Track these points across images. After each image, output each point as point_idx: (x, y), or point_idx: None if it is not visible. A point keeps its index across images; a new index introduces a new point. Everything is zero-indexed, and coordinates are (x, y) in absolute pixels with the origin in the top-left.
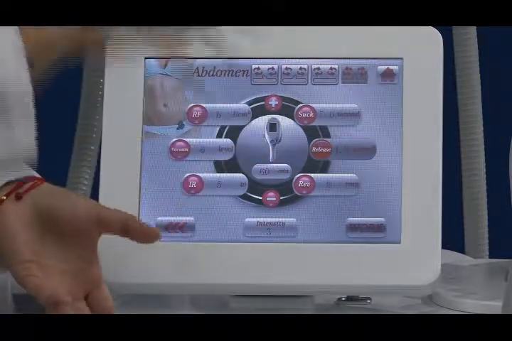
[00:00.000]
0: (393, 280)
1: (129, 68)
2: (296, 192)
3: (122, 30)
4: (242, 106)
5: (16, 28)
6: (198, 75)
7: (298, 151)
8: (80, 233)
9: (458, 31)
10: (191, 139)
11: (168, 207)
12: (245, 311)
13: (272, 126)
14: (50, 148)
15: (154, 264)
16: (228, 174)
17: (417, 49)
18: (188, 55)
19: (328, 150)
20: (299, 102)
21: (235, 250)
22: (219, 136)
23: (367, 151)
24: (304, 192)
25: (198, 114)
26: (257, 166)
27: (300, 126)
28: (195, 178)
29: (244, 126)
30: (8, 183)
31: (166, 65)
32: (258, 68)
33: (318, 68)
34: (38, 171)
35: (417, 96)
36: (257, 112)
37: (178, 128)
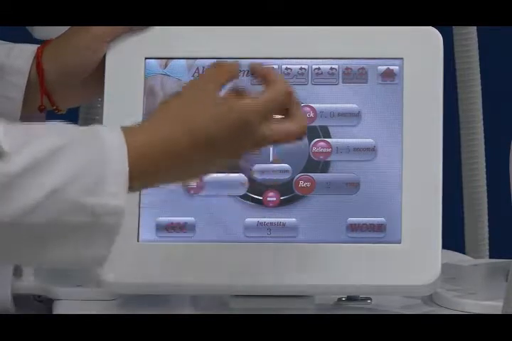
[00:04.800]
0: (393, 280)
1: (129, 68)
2: (296, 192)
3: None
4: None
5: None
6: (198, 75)
7: (298, 151)
8: None
9: (458, 31)
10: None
11: (168, 207)
12: (245, 311)
13: None
14: None
15: (154, 264)
16: (228, 174)
17: (417, 49)
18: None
19: (329, 150)
20: None
21: (235, 250)
22: None
23: (367, 151)
24: (304, 192)
25: None
26: (258, 166)
27: None
28: None
29: None
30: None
31: (166, 65)
32: None
33: (319, 68)
34: None
35: (417, 96)
36: None
37: None
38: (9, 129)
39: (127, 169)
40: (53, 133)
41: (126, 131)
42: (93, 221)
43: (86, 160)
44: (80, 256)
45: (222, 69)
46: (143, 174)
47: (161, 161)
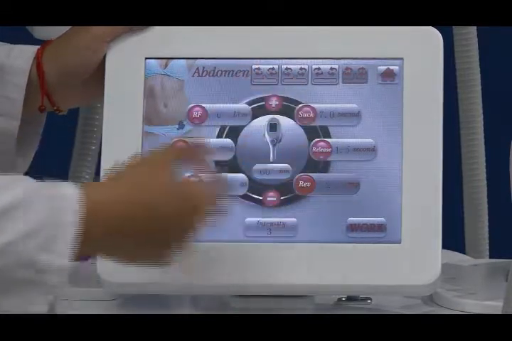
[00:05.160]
0: (393, 280)
1: (129, 68)
2: (296, 192)
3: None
4: (243, 106)
5: None
6: (198, 75)
7: (298, 151)
8: None
9: (458, 31)
10: (192, 139)
11: None
12: (245, 311)
13: (273, 126)
14: (50, 148)
15: None
16: (228, 174)
17: (417, 49)
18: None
19: (329, 150)
20: (299, 102)
21: (235, 250)
22: (219, 136)
23: (367, 151)
24: (304, 192)
25: (199, 114)
26: (258, 166)
27: (300, 126)
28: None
29: (244, 126)
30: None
31: (166, 65)
32: (258, 68)
33: (319, 68)
34: (39, 171)
35: (417, 96)
36: (258, 112)
37: (178, 129)
38: None
39: (79, 231)
40: (13, 187)
41: (85, 191)
42: (35, 278)
43: (40, 218)
44: (24, 309)
45: (184, 151)
46: (96, 238)
47: (114, 227)
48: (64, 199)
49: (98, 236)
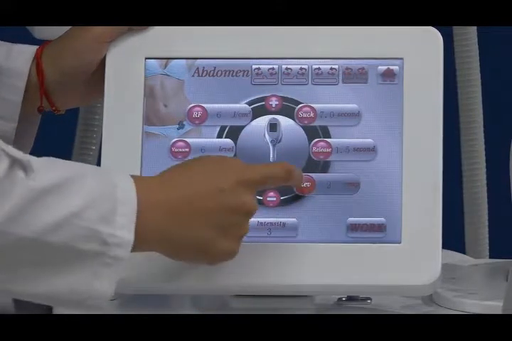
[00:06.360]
0: (393, 280)
1: (129, 68)
2: (296, 192)
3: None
4: (243, 106)
5: None
6: (198, 75)
7: (298, 151)
8: None
9: (458, 31)
10: (192, 139)
11: None
12: (246, 311)
13: (273, 126)
14: (50, 148)
15: (155, 264)
16: None
17: (417, 49)
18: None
19: (329, 150)
20: (299, 102)
21: None
22: (219, 136)
23: (367, 151)
24: (305, 192)
25: (199, 114)
26: None
27: (300, 126)
28: None
29: (244, 127)
30: None
31: (166, 65)
32: (258, 68)
33: (319, 68)
34: None
35: (417, 96)
36: (258, 112)
37: (178, 129)
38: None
39: (136, 207)
40: (73, 163)
41: (137, 178)
42: (103, 250)
43: (98, 191)
44: (89, 285)
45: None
46: (144, 226)
47: (161, 219)
48: (117, 177)
49: (153, 222)
